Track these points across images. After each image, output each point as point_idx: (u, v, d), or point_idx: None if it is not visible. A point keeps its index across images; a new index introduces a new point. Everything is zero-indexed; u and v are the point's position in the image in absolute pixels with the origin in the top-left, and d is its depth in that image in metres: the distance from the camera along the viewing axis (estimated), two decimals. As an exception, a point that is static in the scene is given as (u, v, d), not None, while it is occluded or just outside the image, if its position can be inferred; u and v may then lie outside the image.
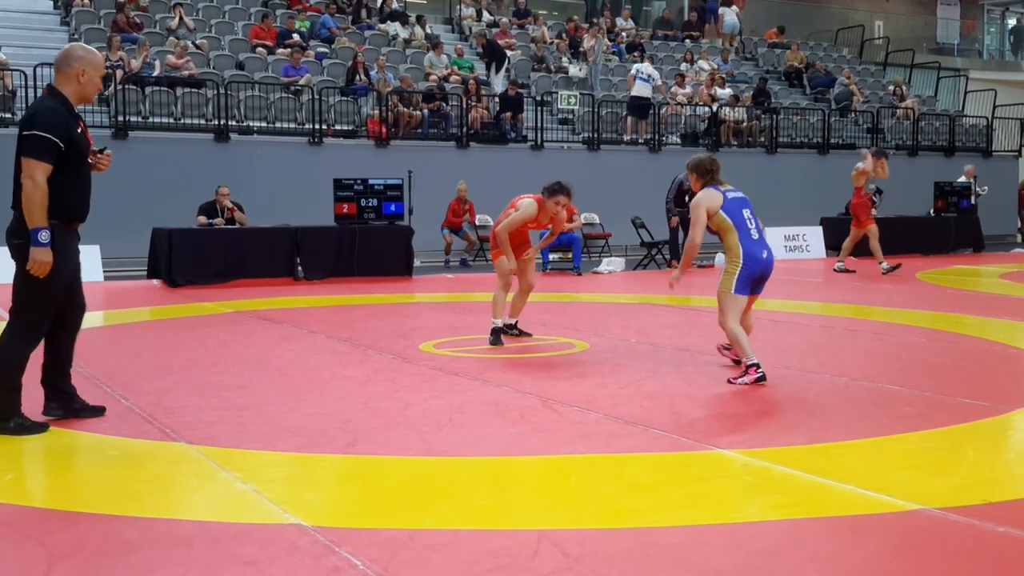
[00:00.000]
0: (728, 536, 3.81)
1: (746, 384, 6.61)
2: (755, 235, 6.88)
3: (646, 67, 21.92)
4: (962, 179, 21.66)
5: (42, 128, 5.06)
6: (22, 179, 5.06)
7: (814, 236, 19.37)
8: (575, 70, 22.57)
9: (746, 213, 6.92)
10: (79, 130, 5.24)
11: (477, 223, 18.42)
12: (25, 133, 5.09)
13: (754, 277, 6.85)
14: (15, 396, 5.27)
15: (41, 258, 5.07)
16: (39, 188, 5.03)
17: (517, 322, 8.87)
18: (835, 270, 15.88)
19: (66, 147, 5.12)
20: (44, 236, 5.06)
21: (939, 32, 34.35)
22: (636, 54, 24.42)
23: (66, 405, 5.57)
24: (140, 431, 5.44)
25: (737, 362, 7.16)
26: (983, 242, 21.26)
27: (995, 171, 24.71)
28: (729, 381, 6.75)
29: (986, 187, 21.96)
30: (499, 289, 8.51)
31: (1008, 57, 34.29)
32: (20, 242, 5.13)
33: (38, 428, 5.31)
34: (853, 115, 24.57)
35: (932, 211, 21.02)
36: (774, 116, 22.76)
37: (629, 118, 21.32)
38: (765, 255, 6.86)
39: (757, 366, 6.65)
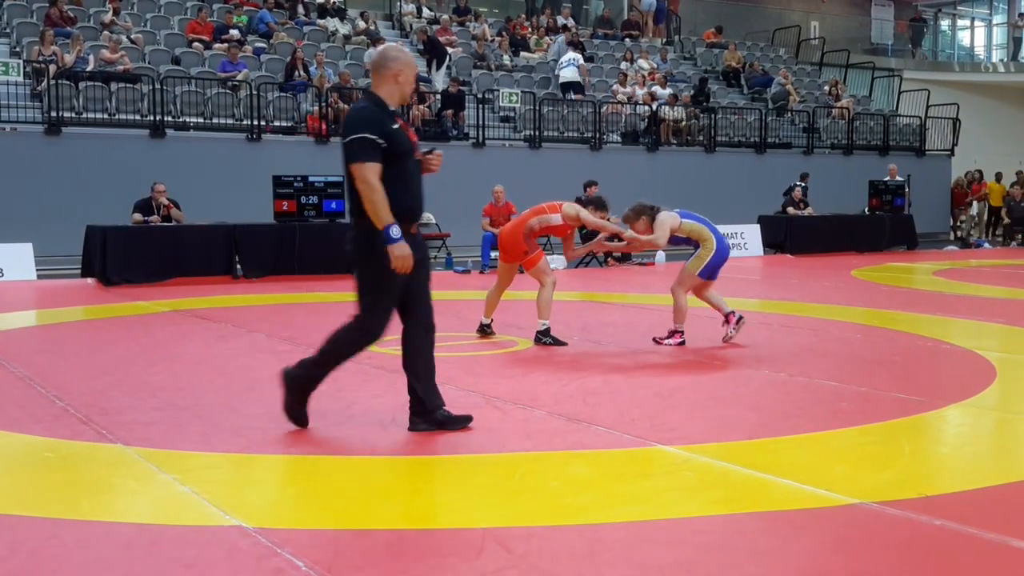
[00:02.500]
0: (670, 531, 3.84)
1: (670, 345, 8.11)
2: (719, 232, 8.37)
3: (568, 54, 22.38)
4: (887, 178, 22.16)
5: (356, 130, 5.00)
6: (356, 185, 4.99)
7: (752, 234, 19.61)
8: (568, 73, 22.72)
9: (698, 216, 8.40)
10: (396, 127, 5.14)
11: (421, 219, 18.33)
12: (345, 141, 5.04)
13: (720, 265, 8.29)
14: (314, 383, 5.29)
15: (398, 253, 4.96)
16: (375, 188, 4.95)
17: (492, 321, 8.83)
18: None
19: (384, 144, 5.04)
20: (395, 231, 4.95)
21: (873, 33, 34.94)
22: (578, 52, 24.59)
23: (429, 419, 5.35)
24: (76, 433, 5.34)
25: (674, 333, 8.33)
26: (917, 240, 21.72)
27: (928, 170, 25.21)
28: (655, 340, 8.25)
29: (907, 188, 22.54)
30: (548, 288, 8.43)
31: (941, 58, 34.99)
32: (350, 247, 5.11)
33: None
34: (789, 115, 24.90)
35: (866, 209, 21.41)
36: (712, 115, 22.98)
37: (566, 104, 21.65)
38: (728, 245, 8.51)
39: (682, 333, 8.22)
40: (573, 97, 21.82)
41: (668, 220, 8.18)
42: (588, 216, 8.32)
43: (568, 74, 21.98)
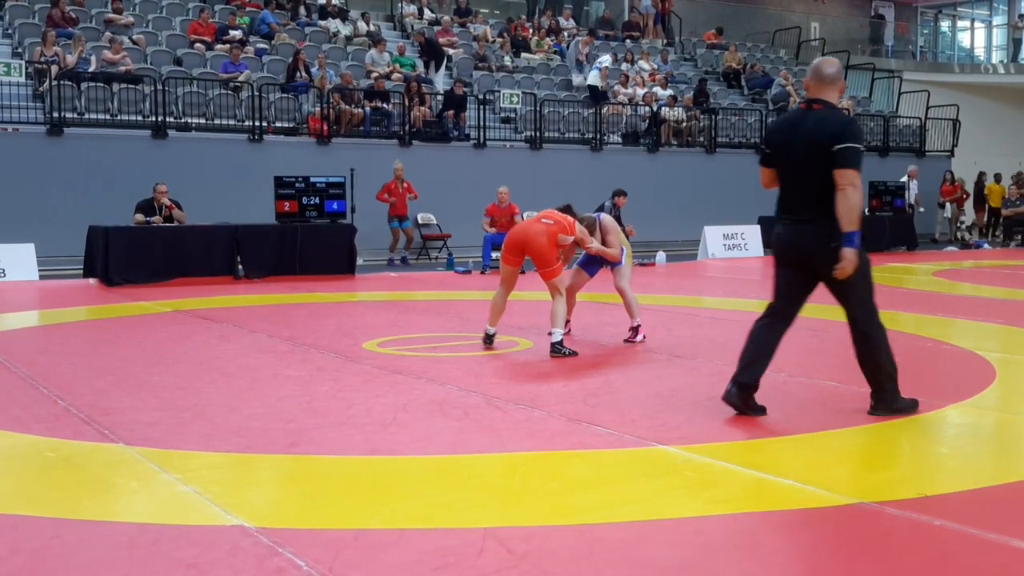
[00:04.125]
0: (671, 531, 3.85)
1: (641, 341, 8.40)
2: None
3: (600, 57, 22.48)
4: (904, 179, 22.20)
5: (857, 139, 5.42)
6: (845, 187, 5.33)
7: (752, 235, 19.60)
8: (579, 79, 22.86)
9: None
10: None
11: (420, 221, 18.39)
12: (842, 146, 5.35)
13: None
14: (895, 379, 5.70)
15: (852, 258, 5.40)
16: (861, 196, 5.42)
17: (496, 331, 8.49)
18: None
19: None
20: (858, 239, 5.42)
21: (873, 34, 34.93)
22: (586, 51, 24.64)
23: (746, 402, 5.72)
24: (78, 432, 5.35)
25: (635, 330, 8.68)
26: (917, 240, 21.72)
27: (929, 171, 25.20)
28: (626, 341, 8.43)
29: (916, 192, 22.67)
30: (562, 299, 8.14)
31: (941, 59, 34.97)
32: (837, 244, 5.41)
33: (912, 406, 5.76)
34: (790, 115, 24.87)
35: (867, 210, 21.42)
36: (713, 116, 22.99)
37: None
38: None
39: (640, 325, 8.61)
40: (580, 99, 21.87)
41: (615, 224, 8.74)
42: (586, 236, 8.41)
43: (591, 77, 22.03)
